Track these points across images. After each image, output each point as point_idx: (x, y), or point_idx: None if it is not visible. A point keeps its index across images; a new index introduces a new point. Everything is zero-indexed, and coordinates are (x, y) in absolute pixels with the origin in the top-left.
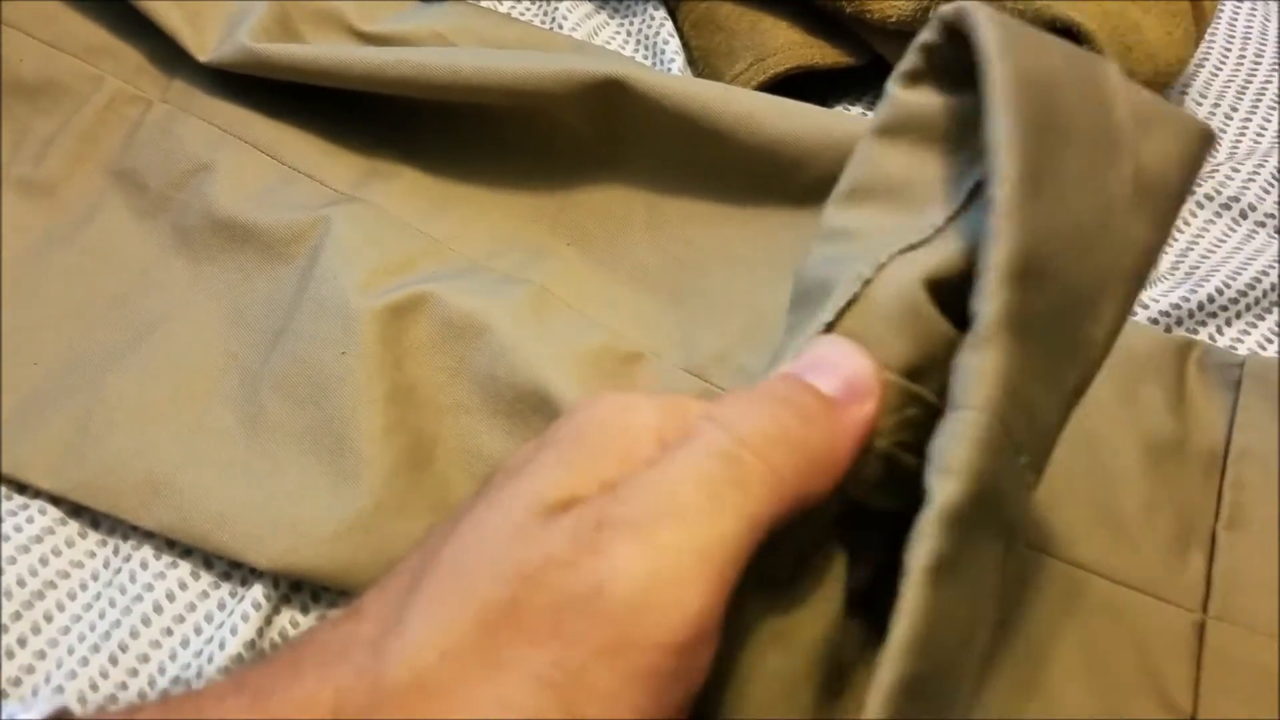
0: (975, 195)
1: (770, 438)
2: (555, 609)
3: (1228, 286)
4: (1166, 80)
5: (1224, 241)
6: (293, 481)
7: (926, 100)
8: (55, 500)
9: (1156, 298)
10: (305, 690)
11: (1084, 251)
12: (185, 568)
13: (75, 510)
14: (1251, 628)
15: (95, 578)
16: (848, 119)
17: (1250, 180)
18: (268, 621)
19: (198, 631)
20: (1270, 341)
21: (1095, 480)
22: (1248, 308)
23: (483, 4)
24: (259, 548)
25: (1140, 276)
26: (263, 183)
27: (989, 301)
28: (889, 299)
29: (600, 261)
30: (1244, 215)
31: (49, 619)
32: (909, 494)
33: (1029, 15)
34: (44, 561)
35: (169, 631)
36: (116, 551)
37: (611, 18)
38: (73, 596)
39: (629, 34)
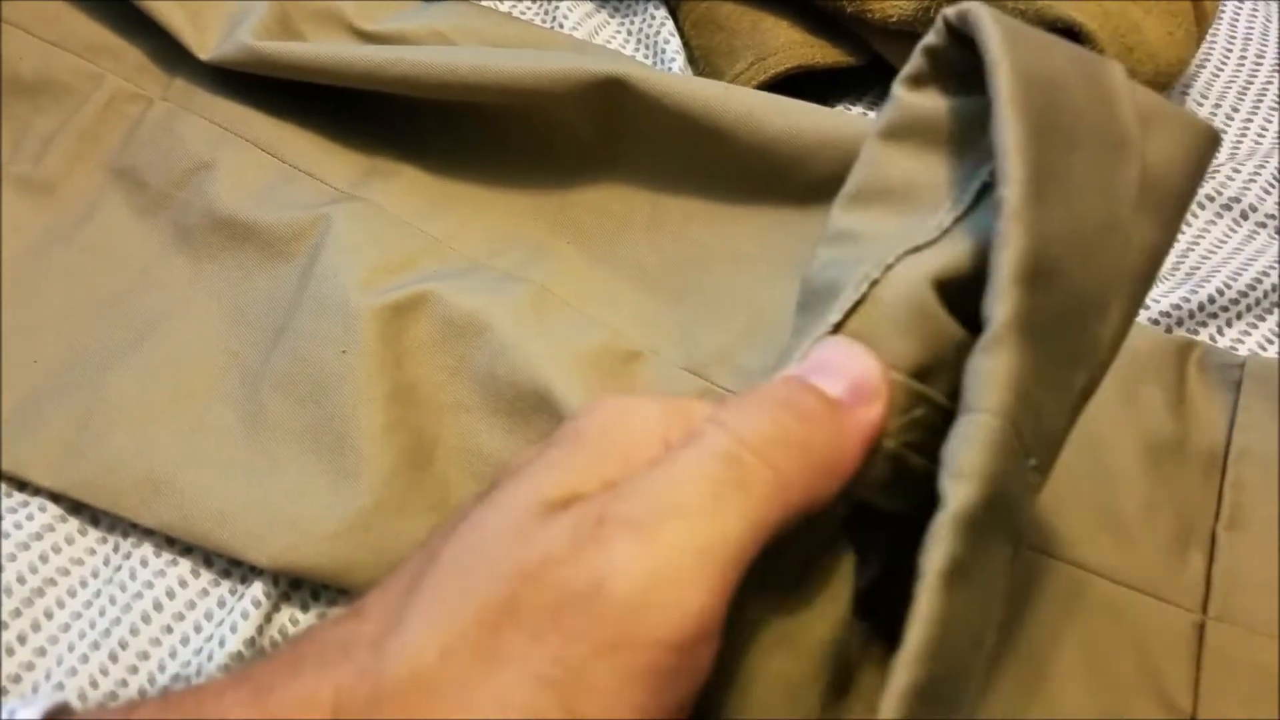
0: (982, 196)
1: (773, 440)
2: (555, 606)
3: (1228, 287)
4: (1167, 80)
5: (1225, 242)
6: (293, 480)
7: (931, 103)
8: (55, 497)
9: (1157, 298)
10: (305, 688)
11: (1091, 253)
12: (185, 565)
13: (75, 508)
14: (1251, 628)
15: (95, 575)
16: (848, 118)
17: (1251, 181)
18: (267, 619)
19: (197, 629)
20: (1271, 342)
21: (1095, 481)
22: (1248, 309)
23: (483, 3)
24: (259, 546)
25: (1147, 278)
26: (263, 181)
27: (999, 304)
28: (896, 299)
29: (600, 260)
30: (1245, 216)
31: (49, 616)
32: (916, 495)
33: (1030, 15)
34: (44, 559)
35: (169, 629)
36: (116, 549)
37: (612, 17)
38: (72, 594)
39: (629, 33)
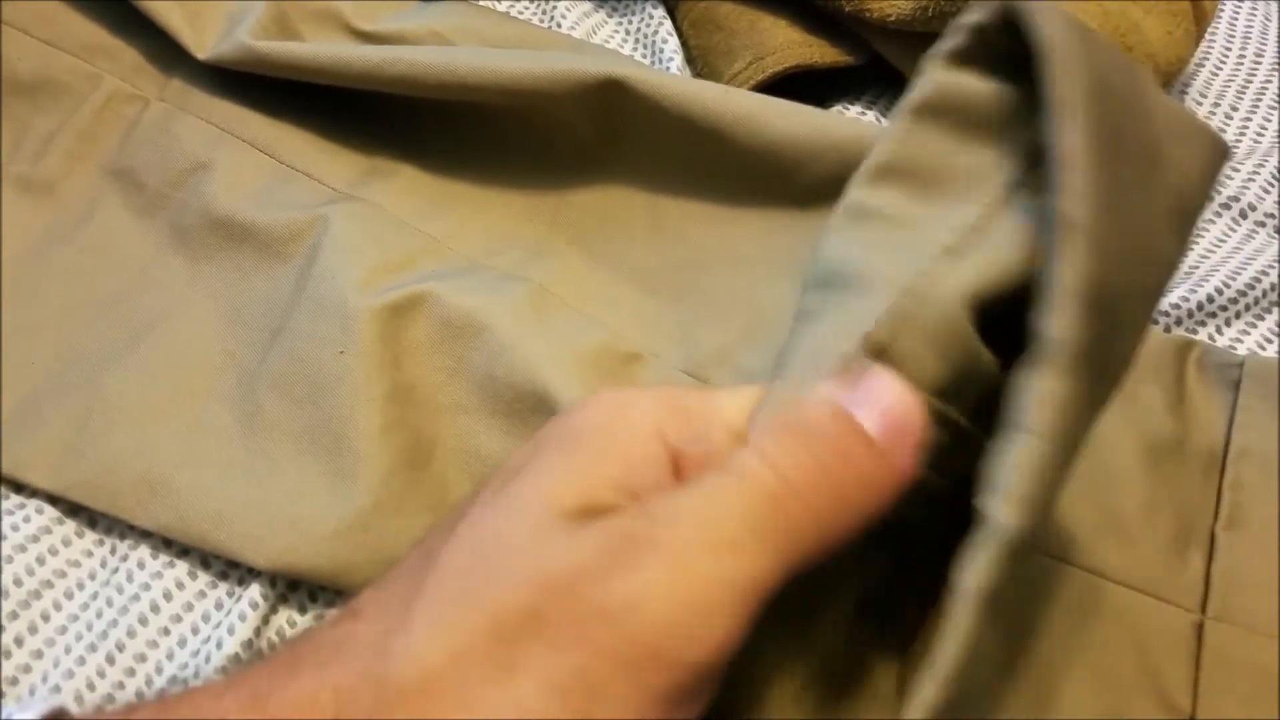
0: (1013, 192)
1: (816, 483)
2: (581, 621)
3: (1227, 286)
4: (1167, 80)
5: (1224, 241)
6: (291, 481)
7: (970, 84)
8: (52, 499)
9: None
10: (304, 689)
11: (1135, 271)
12: (182, 567)
13: (72, 509)
14: (1250, 628)
15: (92, 577)
16: (847, 122)
17: (1250, 180)
18: (265, 621)
19: (195, 631)
20: (1270, 341)
21: (1095, 481)
22: (1247, 307)
23: (481, 3)
24: (257, 547)
25: (1162, 292)
26: (261, 181)
27: (1062, 326)
28: (931, 319)
29: (599, 260)
30: (1244, 215)
31: (46, 618)
32: (927, 507)
33: None
34: (41, 561)
35: (166, 631)
36: (114, 551)
37: (610, 16)
38: (69, 596)
39: (627, 32)
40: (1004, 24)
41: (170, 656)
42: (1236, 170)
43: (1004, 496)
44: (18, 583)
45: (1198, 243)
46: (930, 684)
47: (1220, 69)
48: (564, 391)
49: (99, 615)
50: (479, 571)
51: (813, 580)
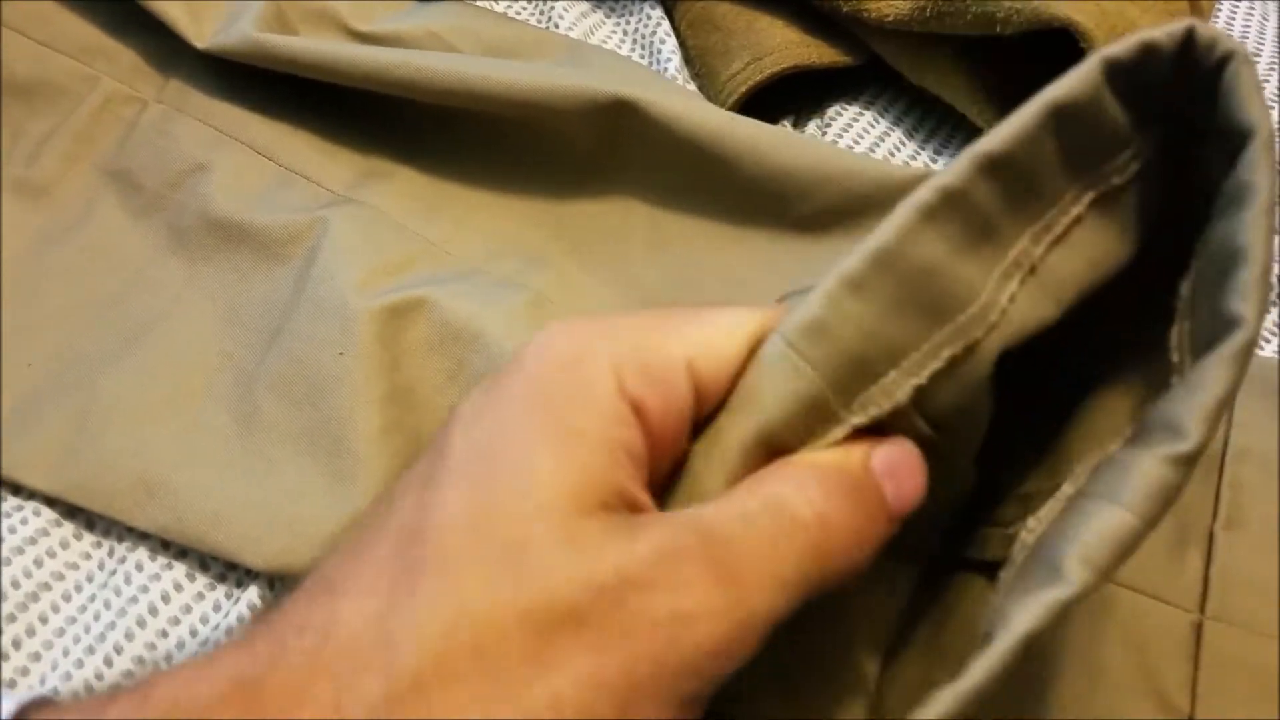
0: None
1: (849, 541)
2: (627, 626)
3: None
4: None
5: None
6: (289, 482)
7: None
8: (50, 501)
9: None
10: (295, 679)
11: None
12: (181, 569)
13: (70, 511)
14: (1249, 628)
15: (90, 579)
16: (850, 156)
17: None
18: None
19: (193, 633)
20: (1269, 340)
21: None
22: None
23: (479, 3)
24: (255, 548)
25: None
26: (259, 183)
27: (1200, 434)
28: (969, 376)
29: (597, 272)
30: None
31: (44, 621)
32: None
33: (1026, 14)
34: (39, 563)
35: (164, 634)
36: (111, 553)
37: (608, 17)
38: (68, 598)
39: (625, 33)
40: (1184, 60)
41: (169, 659)
42: None
43: (1084, 560)
44: (16, 585)
45: None
46: (951, 699)
47: None
48: None
49: (97, 617)
50: (497, 561)
51: None
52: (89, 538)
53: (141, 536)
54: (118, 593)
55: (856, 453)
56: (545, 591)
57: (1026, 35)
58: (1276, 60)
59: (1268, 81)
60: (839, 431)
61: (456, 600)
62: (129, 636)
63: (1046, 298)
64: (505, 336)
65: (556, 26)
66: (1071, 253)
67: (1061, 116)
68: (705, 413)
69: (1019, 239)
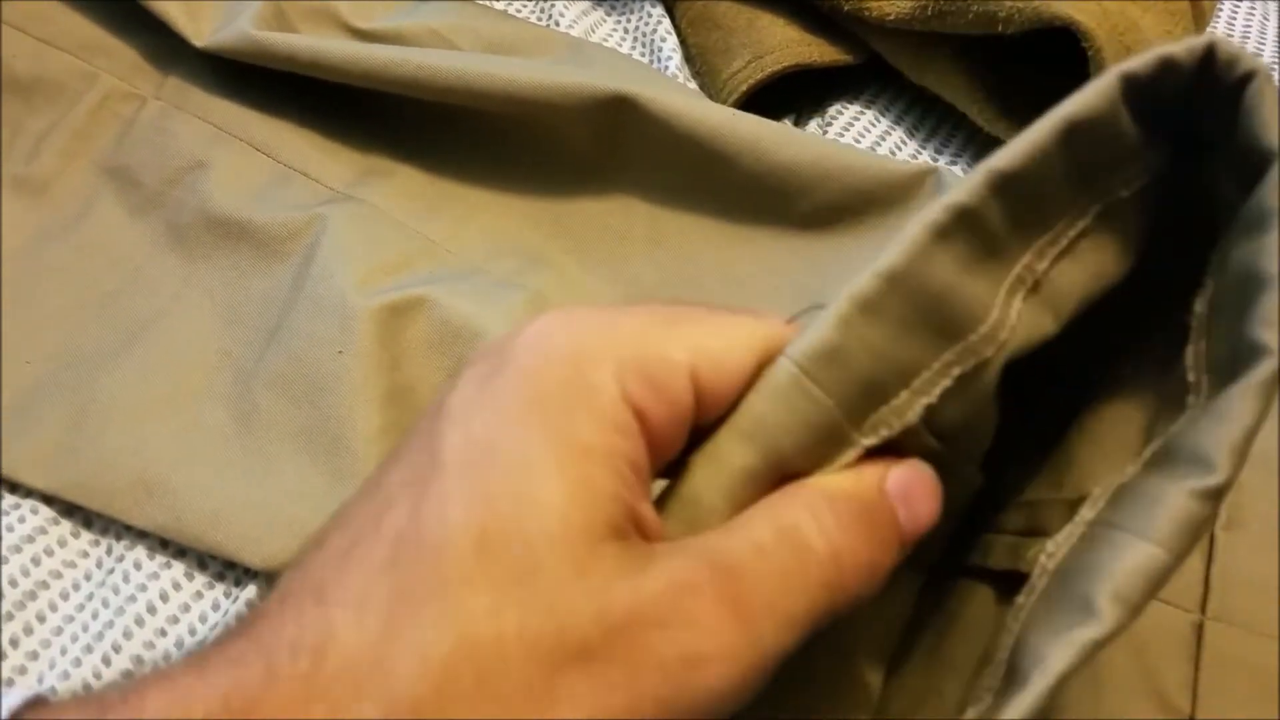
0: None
1: (861, 572)
2: (637, 664)
3: None
4: None
5: None
6: (288, 481)
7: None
8: (48, 500)
9: None
10: (287, 701)
11: None
12: (179, 567)
13: (68, 510)
14: (1249, 628)
15: (88, 578)
16: (851, 151)
17: None
18: None
19: (192, 632)
20: None
21: None
22: None
23: (479, 1)
24: (254, 547)
25: None
26: (258, 181)
27: (1226, 469)
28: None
29: (596, 271)
30: None
31: (41, 619)
32: None
33: (1028, 14)
34: (36, 562)
35: (163, 633)
36: (110, 551)
37: (608, 15)
38: (65, 597)
39: (626, 31)
40: (1204, 77)
41: (167, 658)
42: None
43: (1116, 598)
44: (13, 583)
45: None
46: None
47: None
48: None
49: (95, 616)
50: (505, 589)
51: None
52: (87, 536)
53: (139, 535)
54: (116, 591)
55: (870, 476)
56: (554, 624)
57: (1028, 34)
58: (1277, 60)
59: None
60: (850, 454)
61: (460, 627)
62: (127, 635)
63: (1047, 312)
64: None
65: (557, 24)
66: (1075, 266)
67: (1076, 133)
68: (704, 421)
69: (1025, 254)
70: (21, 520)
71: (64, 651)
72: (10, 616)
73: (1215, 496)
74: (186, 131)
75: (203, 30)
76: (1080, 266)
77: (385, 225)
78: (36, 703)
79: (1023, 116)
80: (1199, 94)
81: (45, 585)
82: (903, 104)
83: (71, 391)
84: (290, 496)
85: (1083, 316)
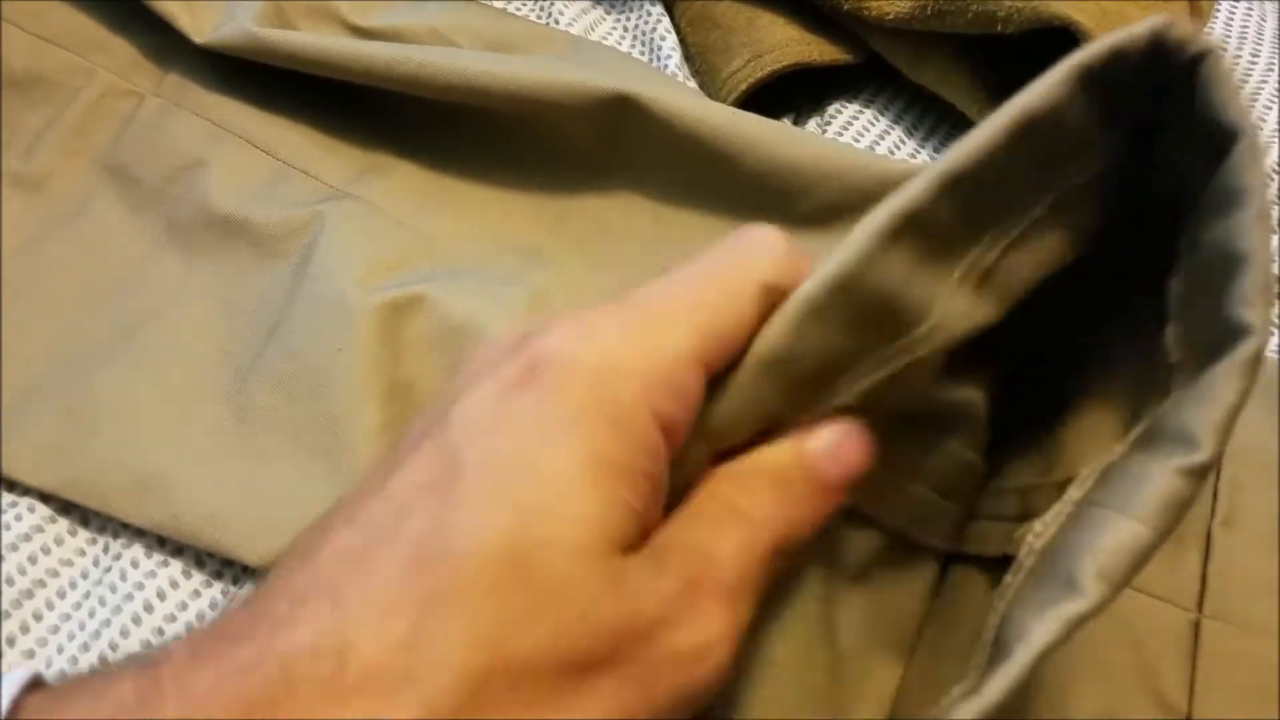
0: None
1: (802, 525)
2: (658, 663)
3: None
4: None
5: None
6: (287, 478)
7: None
8: (45, 497)
9: None
10: (312, 707)
11: None
12: (176, 566)
13: (65, 508)
14: (1246, 626)
15: (85, 576)
16: (851, 151)
17: None
18: None
19: (189, 631)
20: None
21: None
22: None
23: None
24: (251, 545)
25: None
26: (257, 178)
27: (1212, 446)
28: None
29: (597, 269)
30: None
31: (38, 618)
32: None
33: (1026, 14)
34: (33, 560)
35: (160, 631)
36: (106, 550)
37: (608, 13)
38: (62, 595)
39: (625, 30)
40: (1154, 59)
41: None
42: None
43: (1099, 574)
44: (10, 582)
45: None
46: (973, 712)
47: None
48: None
49: (91, 614)
50: (537, 602)
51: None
52: (84, 534)
53: (137, 533)
54: (113, 589)
55: (790, 449)
56: (586, 635)
57: (1027, 34)
58: (1276, 60)
59: (1265, 82)
60: (781, 431)
61: (491, 638)
62: (124, 633)
63: (993, 300)
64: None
65: (556, 22)
66: (1024, 255)
67: (1030, 127)
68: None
69: (975, 247)
70: (18, 518)
71: (61, 650)
72: (7, 615)
73: (1199, 474)
74: (185, 129)
75: (203, 28)
76: (1030, 255)
77: (385, 223)
78: (37, 684)
79: None
80: (1153, 78)
81: (42, 583)
82: (901, 103)
83: (69, 389)
84: (288, 494)
85: (1066, 303)
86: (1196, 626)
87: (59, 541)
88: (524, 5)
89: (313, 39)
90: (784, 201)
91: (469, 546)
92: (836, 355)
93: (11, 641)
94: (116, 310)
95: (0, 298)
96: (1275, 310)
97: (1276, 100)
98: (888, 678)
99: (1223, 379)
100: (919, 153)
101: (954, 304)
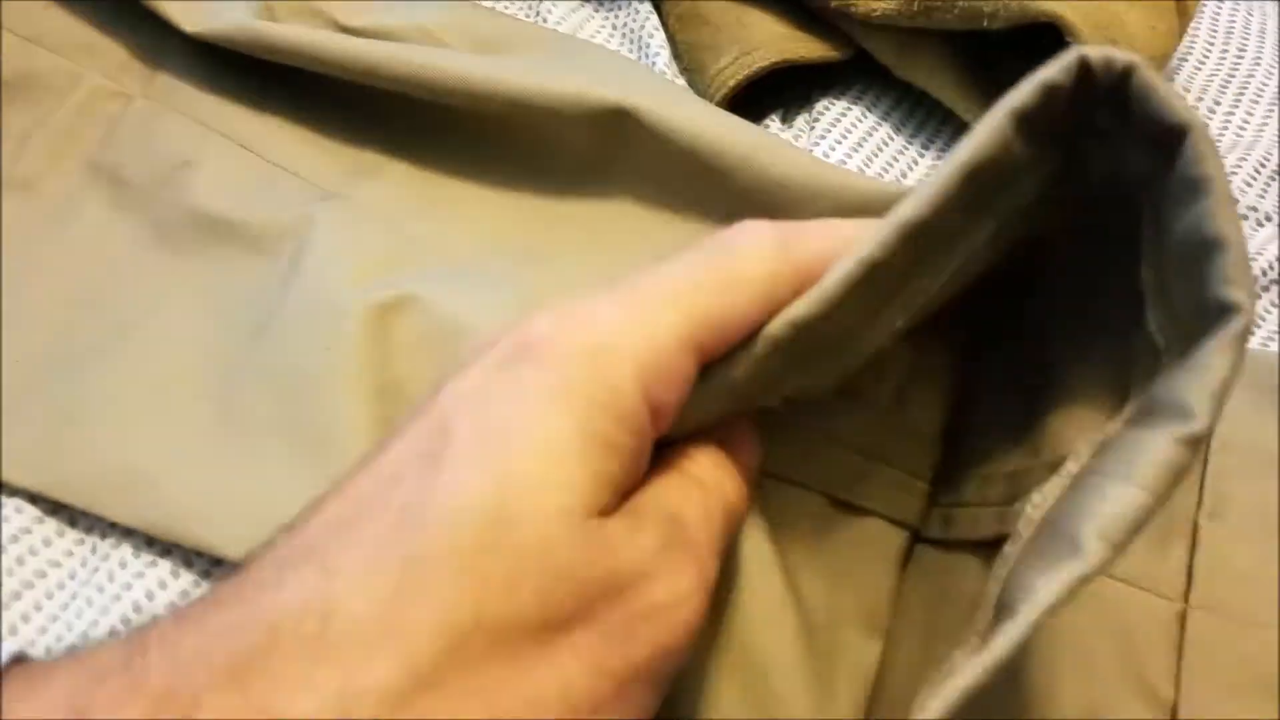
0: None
1: (739, 493)
2: (637, 616)
3: None
4: None
5: None
6: (274, 478)
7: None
8: (33, 498)
9: None
10: (293, 665)
11: None
12: (165, 566)
13: (53, 508)
14: (1232, 617)
15: (73, 577)
16: (841, 171)
17: (1233, 174)
18: None
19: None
20: (1258, 328)
21: None
22: None
23: None
24: (239, 545)
25: None
26: (246, 179)
27: (1206, 415)
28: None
29: (589, 275)
30: None
31: (26, 619)
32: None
33: (1014, 9)
34: (20, 561)
35: None
36: (95, 550)
37: (596, 11)
38: (50, 596)
39: (614, 28)
40: (1116, 94)
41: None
42: None
43: (1101, 535)
44: None
45: None
46: (980, 667)
47: (1203, 64)
48: None
49: (80, 615)
50: (519, 561)
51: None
52: (71, 535)
53: (125, 533)
54: (101, 589)
55: (710, 445)
56: (568, 594)
57: (1014, 30)
58: (1259, 56)
59: (1251, 78)
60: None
61: (475, 596)
62: (112, 634)
63: (921, 314)
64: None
65: (545, 21)
66: (953, 279)
67: (975, 174)
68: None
69: (921, 279)
70: (6, 520)
71: (48, 651)
72: None
73: (1195, 444)
74: (174, 130)
75: (193, 19)
76: (957, 278)
77: (375, 223)
78: (20, 661)
79: None
80: (1086, 101)
81: (30, 585)
82: (889, 100)
83: (57, 390)
84: (275, 493)
85: (1039, 291)
86: (1183, 617)
87: (47, 543)
88: (512, 4)
89: (309, 34)
90: (774, 216)
91: (454, 507)
92: (776, 380)
93: None
94: (104, 312)
95: None
96: (1258, 289)
97: (1266, 92)
98: (866, 651)
99: (1216, 353)
100: (907, 149)
101: (884, 332)
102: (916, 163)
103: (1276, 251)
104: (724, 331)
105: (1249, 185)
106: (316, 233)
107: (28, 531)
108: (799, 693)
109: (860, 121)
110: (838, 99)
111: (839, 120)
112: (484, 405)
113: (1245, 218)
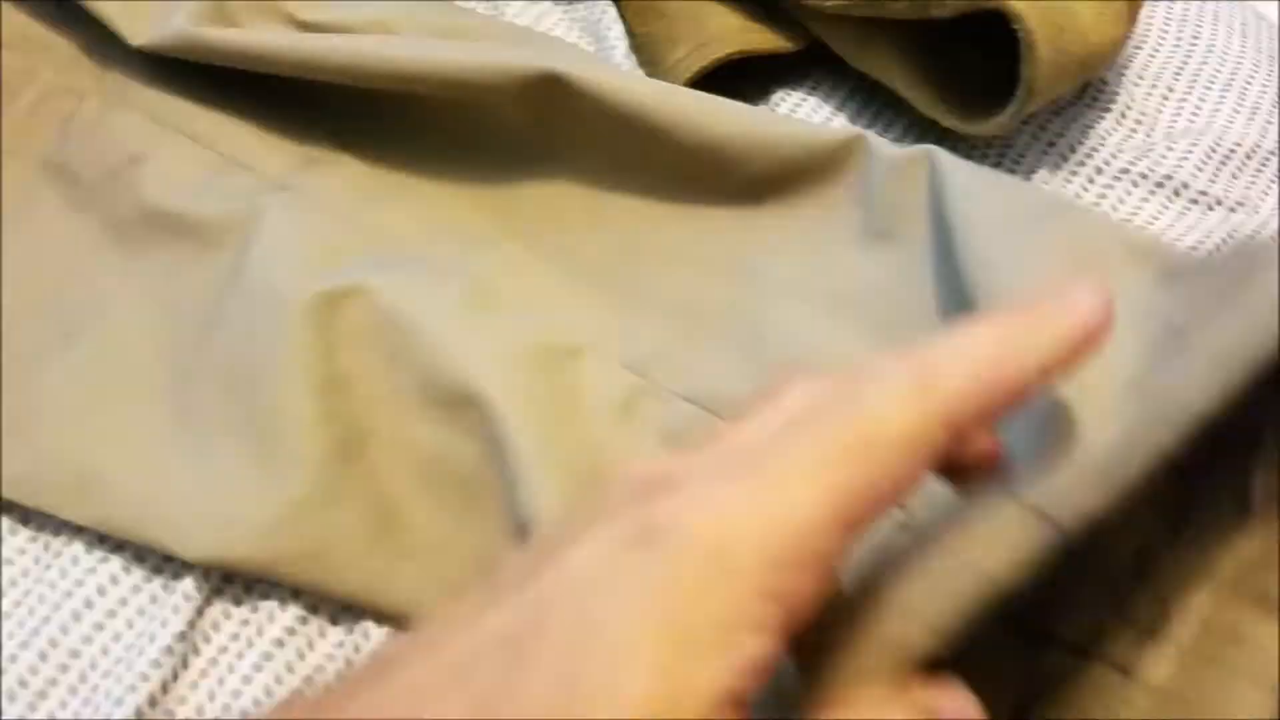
0: None
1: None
2: None
3: None
4: (1099, 61)
5: (1157, 219)
6: (224, 474)
7: None
8: None
9: None
10: None
11: None
12: (117, 562)
13: (5, 506)
14: None
15: (25, 574)
16: (783, 121)
17: (1184, 159)
18: (199, 614)
19: (130, 625)
20: None
21: None
22: None
23: None
24: (188, 541)
25: None
26: (197, 173)
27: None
28: None
29: (539, 255)
30: (1176, 193)
31: None
32: None
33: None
34: None
35: (100, 626)
36: (46, 548)
37: (555, 4)
38: (3, 593)
39: (573, 20)
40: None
41: (105, 652)
42: (1170, 150)
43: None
44: None
45: (1132, 221)
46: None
47: (1158, 51)
48: (501, 384)
49: (31, 611)
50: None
51: None
52: (23, 533)
53: (78, 530)
54: (52, 586)
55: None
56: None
57: (964, 18)
58: (1211, 42)
59: (1204, 65)
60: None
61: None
62: (64, 631)
63: None
64: (445, 323)
65: (504, 15)
66: None
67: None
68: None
69: None
70: None
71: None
72: None
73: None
74: (124, 126)
75: (138, 28)
76: None
77: (323, 213)
78: None
79: (960, 100)
80: None
81: None
82: (845, 90)
83: (9, 389)
84: (225, 490)
85: None
86: None
87: None
88: None
89: (246, 36)
90: (717, 175)
91: (521, 711)
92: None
93: None
94: (57, 310)
95: None
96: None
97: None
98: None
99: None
100: None
101: None
102: (849, 131)
103: (1222, 237)
104: (872, 503)
105: (1199, 170)
106: (265, 224)
107: None
108: None
109: (816, 113)
110: (793, 90)
111: (795, 110)
112: (588, 596)
113: (1196, 202)
